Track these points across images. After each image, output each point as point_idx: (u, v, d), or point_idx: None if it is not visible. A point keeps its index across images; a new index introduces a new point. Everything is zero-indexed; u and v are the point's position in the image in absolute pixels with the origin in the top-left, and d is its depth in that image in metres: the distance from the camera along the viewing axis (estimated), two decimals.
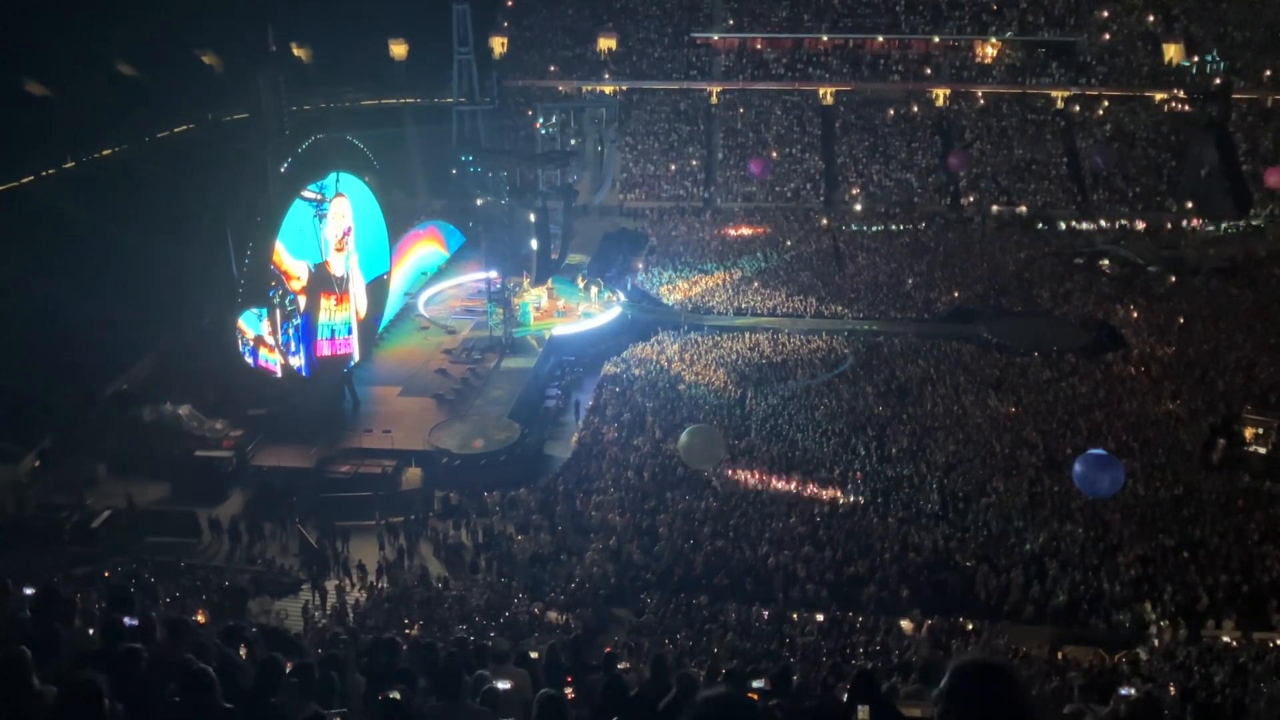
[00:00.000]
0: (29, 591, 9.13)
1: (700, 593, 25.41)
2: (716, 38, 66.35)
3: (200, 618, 19.54)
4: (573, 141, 53.76)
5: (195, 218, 38.16)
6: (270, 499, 31.54)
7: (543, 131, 51.35)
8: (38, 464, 33.18)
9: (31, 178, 48.86)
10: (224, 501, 32.11)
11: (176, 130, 57.58)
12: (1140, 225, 55.05)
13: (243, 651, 9.21)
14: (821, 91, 65.14)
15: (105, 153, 53.60)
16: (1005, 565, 26.23)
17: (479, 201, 44.73)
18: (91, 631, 8.80)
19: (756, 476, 31.21)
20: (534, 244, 43.41)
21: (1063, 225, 55.48)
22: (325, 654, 10.54)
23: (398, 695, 8.05)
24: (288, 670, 7.82)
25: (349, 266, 37.65)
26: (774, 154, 61.21)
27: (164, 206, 41.53)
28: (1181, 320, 42.84)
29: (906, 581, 25.59)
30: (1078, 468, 22.76)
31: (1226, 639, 23.22)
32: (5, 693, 5.68)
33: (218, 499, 32.05)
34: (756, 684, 10.53)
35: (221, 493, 32.40)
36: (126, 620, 8.72)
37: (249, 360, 34.01)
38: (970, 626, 24.05)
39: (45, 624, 7.78)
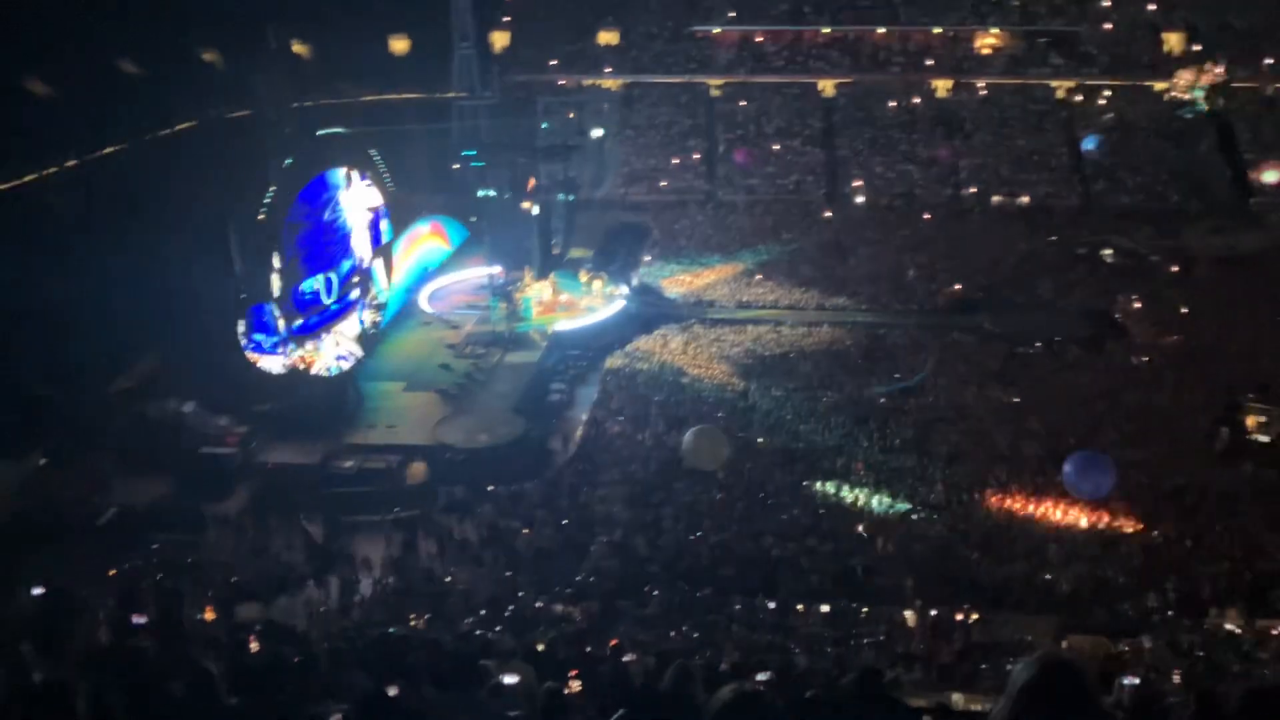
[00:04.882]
0: (37, 591, 9.14)
1: (705, 585, 25.43)
2: (717, 31, 66.15)
3: (208, 614, 19.55)
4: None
5: (198, 215, 38.14)
6: (275, 494, 31.58)
7: (543, 131, 51.23)
8: (44, 461, 33.22)
9: (34, 176, 48.81)
10: (229, 498, 32.15)
11: (177, 128, 57.50)
12: (1141, 215, 54.89)
13: (253, 646, 9.23)
14: (822, 84, 64.96)
15: (107, 151, 53.52)
16: (1008, 555, 26.26)
17: (480, 194, 44.67)
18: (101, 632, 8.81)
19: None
20: (536, 237, 43.39)
21: (1063, 217, 55.32)
22: (330, 649, 10.56)
23: (396, 691, 8.04)
24: (293, 666, 7.83)
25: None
26: (774, 146, 61.07)
27: (166, 204, 41.51)
28: (1184, 310, 42.75)
29: (910, 572, 25.62)
30: (1067, 469, 23.02)
31: (1230, 626, 23.23)
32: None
33: (223, 495, 32.09)
34: (761, 676, 10.55)
35: (227, 489, 32.44)
36: (134, 619, 8.74)
37: (253, 357, 34.04)
38: (974, 616, 24.08)
39: (54, 623, 7.79)
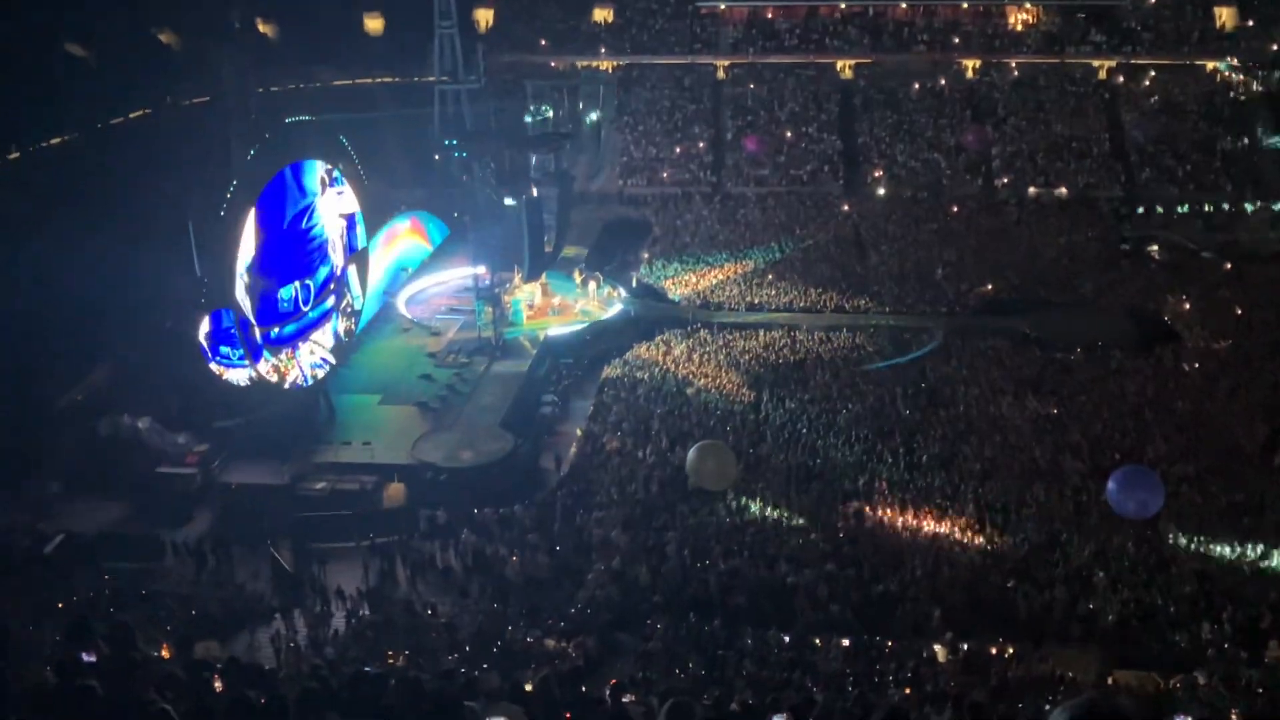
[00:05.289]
0: None
1: (713, 616, 25.41)
2: (723, 7, 66.36)
3: (165, 652, 19.54)
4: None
5: (154, 211, 38.17)
6: (240, 519, 31.57)
7: (531, 119, 51.32)
8: None
9: None
10: (189, 522, 32.13)
11: (132, 116, 57.62)
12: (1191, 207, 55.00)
13: (216, 686, 9.22)
14: (839, 64, 65.12)
15: (54, 141, 53.63)
16: (1048, 581, 26.21)
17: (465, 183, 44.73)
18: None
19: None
20: (525, 235, 43.43)
21: (1105, 209, 55.40)
22: (300, 690, 10.54)
23: None
24: (260, 708, 7.82)
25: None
26: (787, 134, 61.18)
27: (119, 199, 41.56)
28: (1238, 311, 42.76)
29: (939, 601, 25.58)
30: (1110, 486, 23.07)
31: None
32: None
33: (182, 519, 32.08)
34: (777, 717, 10.54)
35: (186, 512, 32.42)
36: (83, 657, 8.73)
37: (216, 368, 34.06)
38: (1010, 651, 24.03)
39: None
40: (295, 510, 31.82)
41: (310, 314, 36.66)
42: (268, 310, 34.36)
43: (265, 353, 34.34)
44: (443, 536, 30.76)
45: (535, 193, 43.86)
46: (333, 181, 36.88)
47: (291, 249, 35.33)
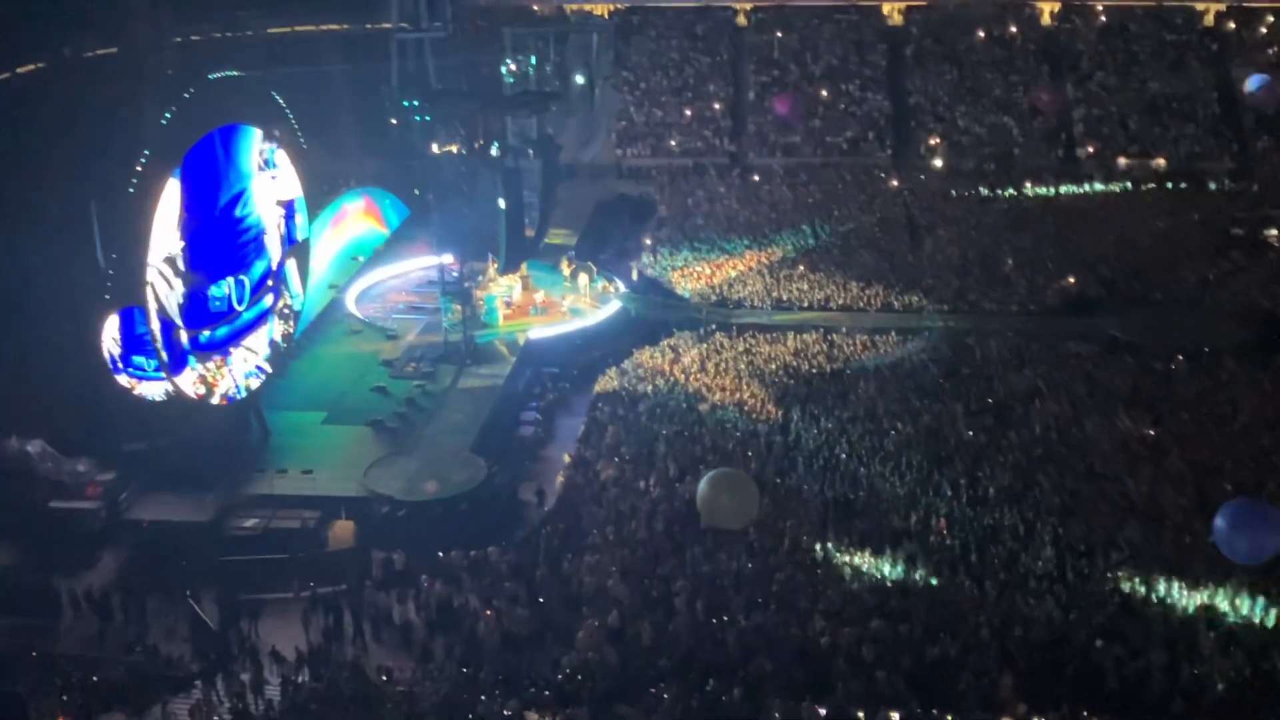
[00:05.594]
0: None
1: (733, 684, 25.45)
2: None
3: None
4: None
5: (47, 188, 38.27)
6: (153, 564, 31.64)
7: (509, 75, 51.57)
8: None
9: None
10: (91, 568, 32.18)
11: (20, 71, 57.80)
12: None
13: None
14: (887, 8, 65.40)
15: None
16: (1143, 642, 26.25)
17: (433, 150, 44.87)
18: None
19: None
20: (502, 217, 43.56)
21: (1214, 184, 55.53)
22: None
23: None
24: None
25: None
26: (823, 93, 61.38)
27: (3, 173, 41.67)
28: None
29: (1010, 666, 25.61)
30: (1218, 523, 23.11)
31: None
32: None
33: (83, 564, 32.12)
34: None
35: (88, 556, 32.47)
36: None
37: (126, 380, 34.15)
38: None
39: None
40: (221, 553, 31.82)
41: (245, 314, 36.86)
42: (197, 310, 34.55)
43: (191, 360, 34.46)
44: (401, 585, 30.81)
45: (514, 165, 43.99)
46: (266, 165, 37.10)
47: (224, 238, 35.53)
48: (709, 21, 65.95)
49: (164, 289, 33.02)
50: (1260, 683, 25.22)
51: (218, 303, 35.47)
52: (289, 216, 38.84)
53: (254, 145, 36.53)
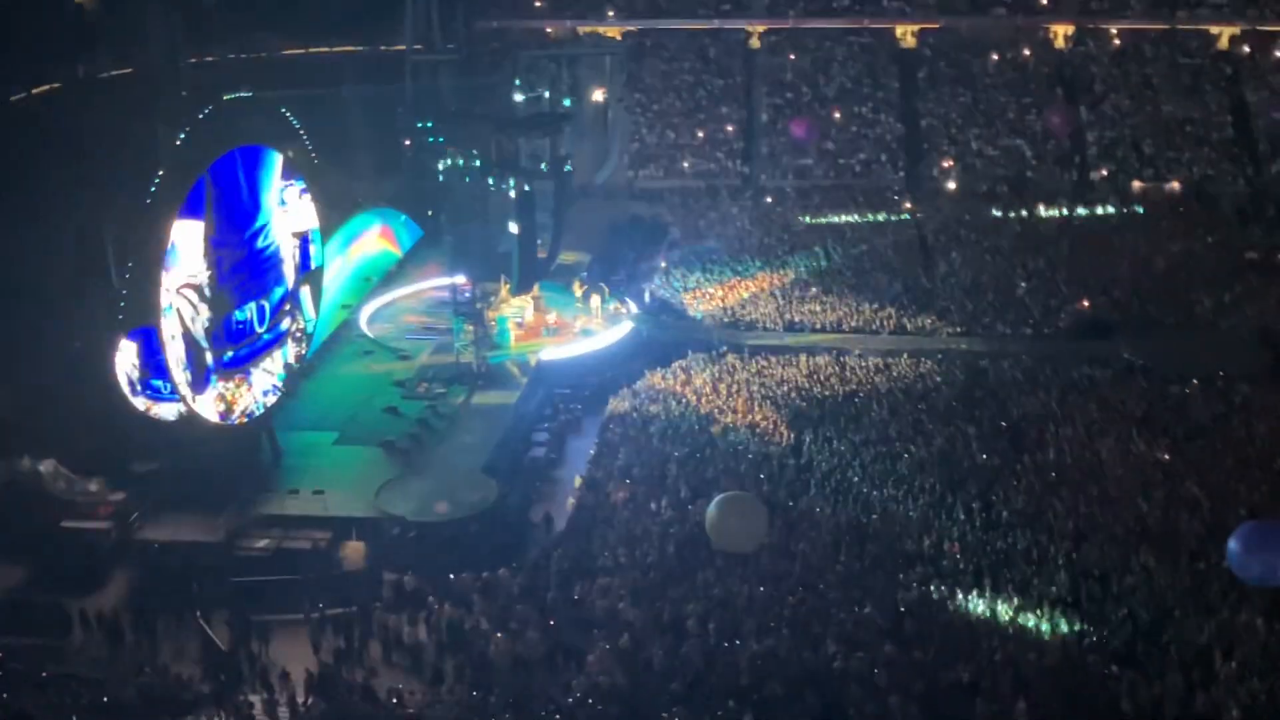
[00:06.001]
0: None
1: (745, 708, 25.38)
2: None
3: None
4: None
5: (61, 208, 38.44)
6: (164, 585, 31.64)
7: (523, 97, 51.76)
8: None
9: None
10: (102, 588, 32.20)
11: (35, 91, 58.20)
12: None
13: None
14: (900, 31, 65.51)
15: None
16: (1158, 668, 26.11)
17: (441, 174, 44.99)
18: None
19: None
20: (515, 239, 43.63)
21: (1229, 206, 55.44)
22: None
23: None
24: None
25: None
26: (836, 114, 61.49)
27: (19, 191, 41.90)
28: None
29: (1024, 692, 25.50)
30: (1232, 545, 22.98)
31: None
32: None
33: (93, 585, 32.14)
34: None
35: (98, 576, 32.49)
36: None
37: (142, 402, 34.24)
38: None
39: None
40: (231, 574, 31.83)
41: (265, 336, 37.10)
42: (221, 332, 34.80)
43: (213, 379, 34.61)
44: (412, 607, 30.78)
45: (527, 187, 44.10)
46: (282, 202, 37.33)
47: (248, 266, 35.98)
48: (721, 44, 66.16)
49: (189, 313, 33.23)
50: (1274, 709, 25.05)
51: (240, 325, 35.71)
52: (304, 246, 38.96)
53: (274, 182, 36.72)
